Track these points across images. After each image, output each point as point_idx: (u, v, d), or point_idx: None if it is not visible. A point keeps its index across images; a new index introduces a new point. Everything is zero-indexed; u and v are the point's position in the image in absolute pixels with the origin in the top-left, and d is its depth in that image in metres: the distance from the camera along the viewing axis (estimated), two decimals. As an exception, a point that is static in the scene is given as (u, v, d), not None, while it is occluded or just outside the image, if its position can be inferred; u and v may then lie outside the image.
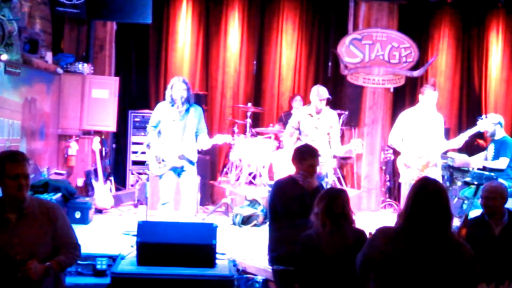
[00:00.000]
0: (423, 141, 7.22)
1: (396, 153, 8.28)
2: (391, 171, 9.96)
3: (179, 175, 6.92)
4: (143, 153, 8.82)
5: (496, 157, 7.83)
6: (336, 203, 4.17)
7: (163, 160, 6.85)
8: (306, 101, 9.98)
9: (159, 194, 7.02)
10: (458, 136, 7.52)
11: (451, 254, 3.26)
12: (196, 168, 7.14)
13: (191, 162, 6.93)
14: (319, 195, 4.31)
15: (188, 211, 6.94)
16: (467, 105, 11.24)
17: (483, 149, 8.23)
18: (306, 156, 5.26)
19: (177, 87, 6.84)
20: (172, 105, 6.88)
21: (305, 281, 4.21)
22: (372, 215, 9.41)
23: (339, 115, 9.27)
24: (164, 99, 7.09)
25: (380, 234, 3.39)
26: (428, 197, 3.30)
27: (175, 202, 6.99)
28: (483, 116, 7.94)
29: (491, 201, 4.89)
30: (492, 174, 7.52)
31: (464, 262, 3.27)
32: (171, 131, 6.88)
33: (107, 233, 7.34)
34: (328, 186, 7.11)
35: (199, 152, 7.27)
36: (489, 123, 7.66)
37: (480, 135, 8.12)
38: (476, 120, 7.74)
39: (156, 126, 6.98)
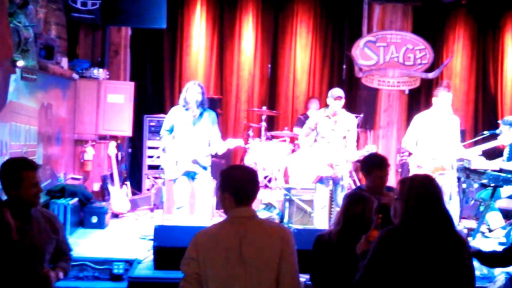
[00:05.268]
0: (438, 144, 7.18)
1: (411, 155, 8.25)
2: (407, 173, 9.91)
3: (193, 179, 6.93)
4: (159, 157, 8.85)
5: (509, 159, 7.80)
6: (368, 208, 4.12)
7: (176, 165, 6.87)
8: (321, 104, 9.97)
9: (173, 198, 7.04)
10: (476, 146, 7.49)
11: (458, 250, 3.32)
12: (211, 172, 7.15)
13: (204, 167, 6.93)
14: (349, 199, 4.25)
15: (203, 215, 6.95)
16: (483, 107, 11.18)
17: (499, 150, 8.19)
18: (372, 168, 5.04)
19: (191, 90, 6.84)
20: (186, 109, 6.89)
21: (319, 281, 4.21)
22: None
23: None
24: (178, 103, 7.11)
25: (392, 234, 3.39)
26: (428, 197, 3.36)
27: (190, 206, 7.00)
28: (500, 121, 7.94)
29: None
30: (509, 176, 7.46)
31: (465, 258, 3.34)
32: (185, 135, 6.88)
33: (124, 237, 7.37)
34: (345, 189, 7.11)
35: (214, 156, 7.27)
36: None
37: (496, 136, 8.06)
38: (492, 123, 7.72)
39: (170, 130, 6.99)
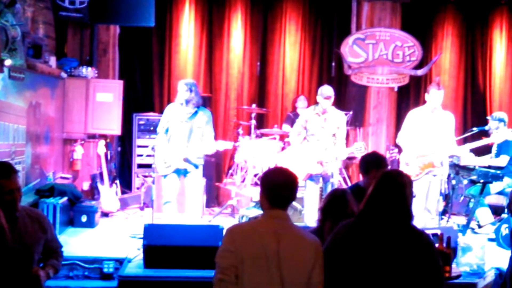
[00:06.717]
0: (426, 141, 7.17)
1: (401, 152, 8.29)
2: (397, 170, 9.93)
3: (184, 176, 6.94)
4: (149, 156, 8.83)
5: (498, 155, 7.84)
6: (345, 205, 4.14)
7: (165, 162, 6.87)
8: (310, 101, 9.98)
9: (162, 192, 7.05)
10: (465, 144, 7.52)
11: (410, 242, 3.31)
12: (202, 171, 7.15)
13: (195, 166, 6.93)
14: (325, 198, 4.29)
15: (193, 213, 6.95)
16: (472, 103, 11.23)
17: (488, 146, 8.23)
18: (370, 168, 5.00)
19: (179, 89, 6.92)
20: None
21: None
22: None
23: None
24: (167, 102, 7.11)
25: (342, 229, 3.44)
26: (385, 189, 3.39)
27: (179, 203, 7.00)
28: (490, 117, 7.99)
29: None
30: (498, 172, 7.50)
31: (423, 249, 3.31)
32: (178, 133, 6.90)
33: (114, 236, 7.35)
34: (335, 187, 7.12)
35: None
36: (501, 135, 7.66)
37: (485, 132, 8.10)
38: (481, 119, 7.75)
39: (167, 129, 7.01)
